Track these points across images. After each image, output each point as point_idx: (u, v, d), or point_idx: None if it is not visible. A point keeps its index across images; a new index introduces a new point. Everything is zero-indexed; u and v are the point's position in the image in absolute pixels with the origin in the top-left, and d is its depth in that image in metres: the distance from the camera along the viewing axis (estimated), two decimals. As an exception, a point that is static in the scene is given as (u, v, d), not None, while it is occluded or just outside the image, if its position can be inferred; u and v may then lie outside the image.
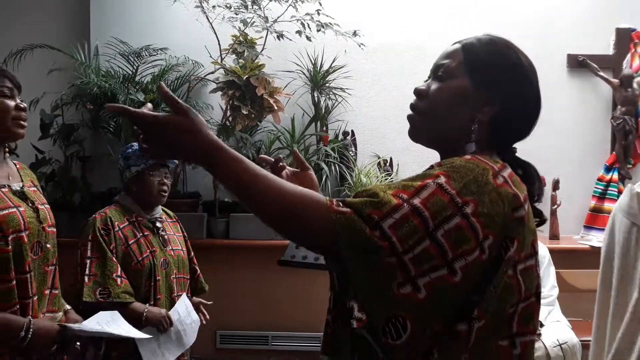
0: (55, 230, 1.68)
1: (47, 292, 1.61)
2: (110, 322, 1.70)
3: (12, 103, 1.56)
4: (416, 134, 1.04)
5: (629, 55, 3.90)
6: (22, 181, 1.65)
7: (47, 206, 1.68)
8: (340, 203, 0.86)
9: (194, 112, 0.88)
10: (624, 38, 3.92)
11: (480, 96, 0.97)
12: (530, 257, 0.94)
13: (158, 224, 2.17)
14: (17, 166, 1.70)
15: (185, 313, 2.13)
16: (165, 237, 2.17)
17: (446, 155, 1.01)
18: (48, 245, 1.60)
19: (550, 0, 3.97)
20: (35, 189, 1.69)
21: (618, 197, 3.82)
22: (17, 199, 1.57)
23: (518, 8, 3.95)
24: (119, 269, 2.01)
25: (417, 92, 1.02)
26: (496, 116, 0.98)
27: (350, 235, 0.82)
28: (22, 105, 1.59)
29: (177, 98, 0.88)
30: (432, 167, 0.93)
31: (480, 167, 0.89)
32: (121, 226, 2.07)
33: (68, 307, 1.82)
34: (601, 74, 3.89)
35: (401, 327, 0.82)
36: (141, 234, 2.10)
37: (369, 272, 0.83)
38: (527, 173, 1.03)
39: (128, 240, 2.06)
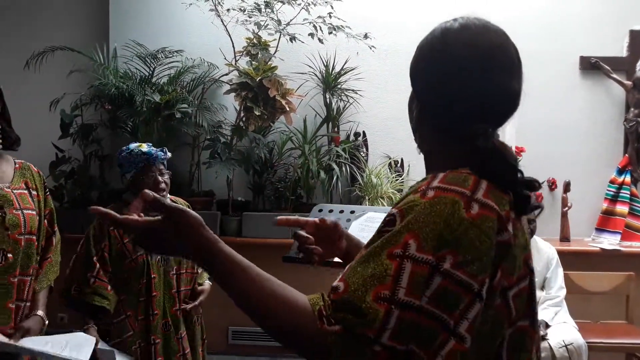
0: (33, 237, 1.56)
1: (11, 305, 1.49)
2: (65, 347, 1.59)
3: None
4: None
5: (642, 58, 3.89)
6: (11, 182, 1.57)
7: (30, 212, 1.56)
8: (331, 320, 0.76)
9: (187, 213, 0.82)
10: (638, 40, 3.90)
11: (411, 97, 0.97)
12: (524, 278, 0.85)
13: None
14: (17, 165, 1.63)
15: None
16: None
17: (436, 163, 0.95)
18: (9, 255, 1.49)
19: (563, 2, 3.97)
20: (25, 192, 1.59)
21: (630, 199, 3.82)
22: None
23: (531, 11, 3.95)
24: (97, 269, 2.03)
25: None
26: (423, 108, 0.94)
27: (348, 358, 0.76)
28: None
29: (166, 202, 0.83)
30: (393, 215, 0.82)
31: (448, 205, 0.78)
32: None
33: (40, 313, 1.68)
34: (614, 76, 3.88)
35: None
36: None
37: None
38: (495, 161, 0.86)
39: (123, 238, 2.09)
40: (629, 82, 3.86)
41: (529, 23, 3.88)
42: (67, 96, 3.77)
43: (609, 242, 3.75)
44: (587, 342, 2.86)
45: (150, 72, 3.89)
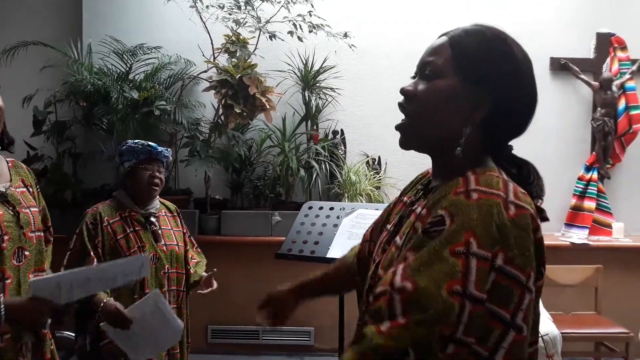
0: (41, 234, 1.60)
1: None
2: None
3: None
4: (406, 142, 0.96)
5: (608, 59, 4.04)
6: (10, 181, 1.58)
7: (35, 210, 1.59)
8: (393, 326, 0.77)
9: None
10: (604, 42, 4.06)
11: (472, 96, 0.90)
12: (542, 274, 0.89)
13: (152, 219, 2.20)
14: (9, 164, 1.62)
15: (152, 313, 1.96)
16: (159, 232, 2.20)
17: (437, 158, 0.96)
18: (26, 253, 1.52)
19: (534, 5, 4.10)
20: (24, 189, 1.60)
21: (597, 196, 3.99)
22: None
23: (503, 12, 4.07)
24: (94, 263, 2.01)
25: (404, 92, 0.94)
26: (489, 116, 0.91)
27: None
28: None
29: None
30: (441, 216, 0.83)
31: (494, 206, 0.81)
32: (111, 221, 2.11)
33: None
34: (582, 76, 4.03)
35: None
36: (131, 229, 2.14)
37: None
38: (524, 172, 0.96)
39: (117, 235, 2.10)
40: (596, 83, 4.02)
41: (502, 25, 3.99)
42: (40, 92, 3.68)
43: (578, 236, 3.90)
44: (561, 333, 2.97)
45: (127, 69, 3.83)
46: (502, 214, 0.81)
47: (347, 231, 2.07)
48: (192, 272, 2.35)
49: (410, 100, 0.93)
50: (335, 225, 2.14)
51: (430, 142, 0.94)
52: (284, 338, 3.83)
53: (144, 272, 1.72)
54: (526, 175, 0.95)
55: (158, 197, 2.27)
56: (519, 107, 0.93)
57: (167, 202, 2.37)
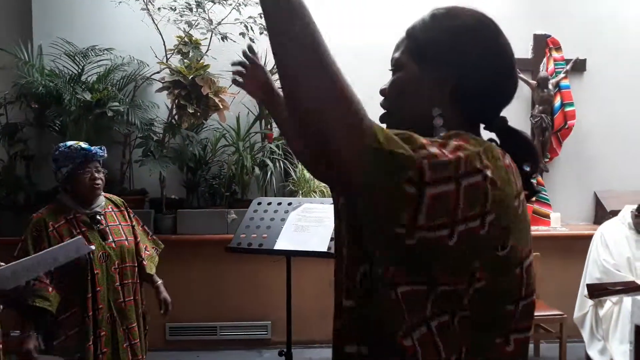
0: None
1: None
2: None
3: None
4: None
5: (545, 59, 4.30)
6: None
7: None
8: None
9: None
10: (541, 43, 4.31)
11: (433, 77, 0.90)
12: (529, 256, 0.86)
13: (98, 217, 2.23)
14: None
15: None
16: (106, 229, 2.23)
17: None
18: None
19: (476, 6, 4.30)
20: None
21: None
22: None
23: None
24: None
25: (380, 91, 0.97)
26: (457, 90, 0.89)
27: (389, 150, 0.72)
28: None
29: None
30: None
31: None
32: (56, 225, 2.14)
33: None
34: (521, 75, 4.25)
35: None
36: (78, 231, 2.16)
37: (385, 198, 0.73)
38: (517, 142, 0.93)
39: (63, 238, 2.11)
40: (533, 82, 4.26)
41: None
42: (-11, 95, 3.65)
43: (519, 226, 4.13)
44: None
45: (80, 71, 3.83)
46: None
47: (294, 224, 2.18)
48: (145, 264, 2.39)
49: (385, 97, 0.96)
50: (283, 220, 2.25)
51: (406, 127, 0.87)
52: (241, 333, 3.92)
53: (83, 250, 1.87)
54: (519, 147, 0.92)
55: (103, 193, 2.30)
56: (488, 75, 0.90)
57: (114, 197, 2.39)
